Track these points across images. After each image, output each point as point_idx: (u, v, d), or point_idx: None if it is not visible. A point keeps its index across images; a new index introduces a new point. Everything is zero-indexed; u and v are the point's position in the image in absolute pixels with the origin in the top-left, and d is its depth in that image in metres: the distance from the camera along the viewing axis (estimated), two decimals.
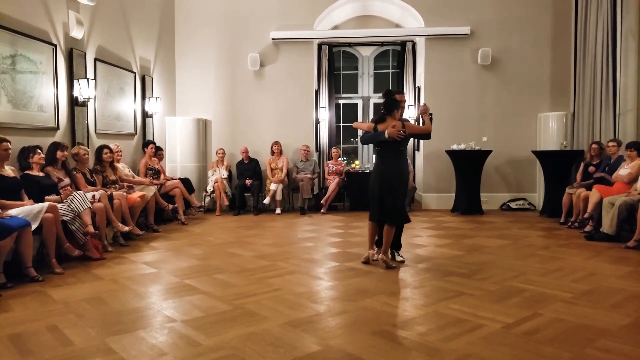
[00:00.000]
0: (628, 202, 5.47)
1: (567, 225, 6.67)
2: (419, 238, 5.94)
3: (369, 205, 4.66)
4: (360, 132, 4.81)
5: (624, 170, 6.07)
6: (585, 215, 6.13)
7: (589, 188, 6.43)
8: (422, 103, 4.61)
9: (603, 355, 2.52)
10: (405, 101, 4.63)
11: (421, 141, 8.99)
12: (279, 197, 8.32)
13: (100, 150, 6.07)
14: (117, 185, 6.10)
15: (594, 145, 6.97)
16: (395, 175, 4.46)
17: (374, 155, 4.88)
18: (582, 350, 2.58)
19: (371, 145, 9.90)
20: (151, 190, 6.53)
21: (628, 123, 7.30)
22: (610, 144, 6.62)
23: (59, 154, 5.16)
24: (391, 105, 4.44)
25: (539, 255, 4.96)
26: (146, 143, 7.55)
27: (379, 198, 4.49)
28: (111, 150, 6.18)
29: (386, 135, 4.30)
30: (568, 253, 5.07)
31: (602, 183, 6.33)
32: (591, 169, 6.76)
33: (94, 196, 5.14)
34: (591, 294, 3.60)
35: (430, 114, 4.64)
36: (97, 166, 6.00)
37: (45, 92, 5.58)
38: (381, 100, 10.21)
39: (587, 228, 6.09)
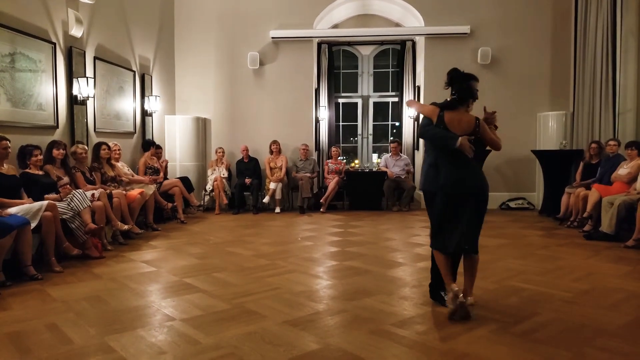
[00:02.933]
0: (627, 201, 5.48)
1: (566, 224, 6.67)
2: (417, 237, 5.94)
3: (440, 229, 3.25)
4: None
5: (623, 170, 6.08)
6: (585, 215, 6.14)
7: (588, 187, 6.44)
8: (489, 110, 3.49)
9: (602, 354, 2.53)
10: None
11: (420, 140, 9.00)
12: (278, 196, 8.32)
13: (98, 147, 6.06)
14: (116, 183, 6.10)
15: (593, 145, 6.97)
16: (482, 181, 3.24)
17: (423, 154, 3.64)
18: (580, 349, 2.58)
19: (371, 146, 10.03)
20: (150, 189, 6.53)
21: (627, 123, 7.30)
22: (611, 142, 6.62)
23: (54, 152, 5.15)
24: (469, 92, 3.27)
25: (538, 255, 4.97)
26: (147, 144, 7.54)
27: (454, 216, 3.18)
28: (109, 147, 6.18)
29: (457, 144, 3.11)
30: (567, 252, 5.07)
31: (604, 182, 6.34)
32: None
33: (93, 195, 5.14)
34: (590, 294, 3.60)
35: (495, 126, 3.49)
36: (95, 163, 5.97)
37: (44, 91, 5.57)
38: (381, 100, 10.25)
39: (586, 227, 6.09)
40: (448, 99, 3.31)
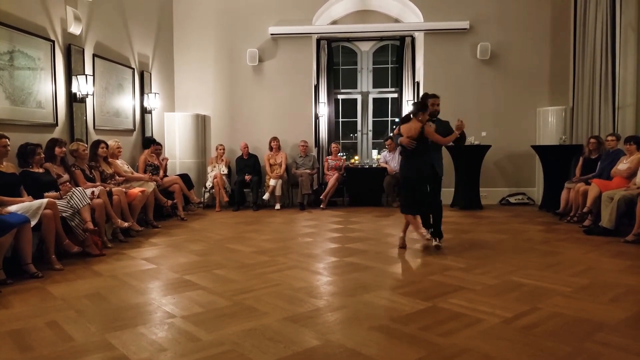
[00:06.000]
0: (627, 196, 5.48)
1: (565, 219, 6.68)
2: None
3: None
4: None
5: (623, 165, 6.08)
6: (584, 210, 6.14)
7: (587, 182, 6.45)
8: (461, 120, 5.03)
9: (601, 348, 2.53)
10: (436, 103, 5.08)
11: None
12: (278, 192, 8.32)
13: (95, 145, 6.05)
14: (115, 180, 6.10)
15: (592, 140, 6.96)
16: (415, 170, 4.89)
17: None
18: (580, 344, 2.59)
19: (370, 142, 10.03)
20: (150, 186, 6.53)
21: (627, 117, 7.30)
22: (609, 137, 6.62)
23: (57, 150, 5.16)
24: (416, 107, 4.87)
25: (537, 250, 4.97)
26: (147, 141, 7.53)
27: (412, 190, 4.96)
28: (107, 146, 6.17)
29: (398, 141, 4.91)
30: (567, 247, 5.08)
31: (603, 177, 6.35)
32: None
33: (93, 192, 5.14)
34: (590, 288, 3.61)
35: (461, 133, 4.99)
36: (92, 162, 5.94)
37: (43, 89, 5.56)
38: (381, 96, 10.27)
39: (586, 222, 6.09)
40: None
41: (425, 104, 4.90)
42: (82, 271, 4.26)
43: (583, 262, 4.41)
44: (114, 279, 3.99)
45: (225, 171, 8.50)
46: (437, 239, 5.08)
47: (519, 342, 2.62)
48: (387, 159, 8.67)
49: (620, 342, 2.61)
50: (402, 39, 9.55)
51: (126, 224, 5.47)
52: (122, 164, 6.68)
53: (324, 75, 9.52)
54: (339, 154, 9.02)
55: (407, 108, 9.54)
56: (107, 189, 5.51)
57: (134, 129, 7.67)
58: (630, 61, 7.20)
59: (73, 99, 6.06)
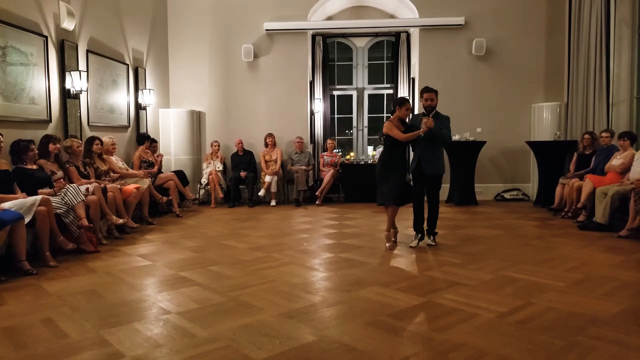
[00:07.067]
0: (620, 191, 5.51)
1: (560, 214, 6.71)
2: (412, 229, 5.95)
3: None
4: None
5: (616, 161, 6.11)
6: (579, 205, 6.17)
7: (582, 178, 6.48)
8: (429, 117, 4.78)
9: (595, 342, 2.55)
10: (430, 98, 4.86)
11: None
12: (273, 189, 8.31)
13: (90, 141, 6.02)
14: (109, 177, 6.08)
15: (586, 136, 6.99)
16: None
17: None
18: (574, 338, 2.61)
19: (366, 138, 10.04)
20: (145, 183, 6.51)
21: (621, 113, 7.33)
22: (604, 133, 6.65)
23: (51, 146, 5.13)
24: (392, 105, 5.14)
25: (532, 245, 5.00)
26: (142, 138, 7.50)
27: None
28: (101, 142, 6.15)
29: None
30: (561, 243, 5.10)
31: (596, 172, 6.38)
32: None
33: (87, 189, 5.12)
34: (584, 283, 3.63)
35: (422, 133, 4.73)
36: (87, 159, 5.92)
37: (36, 85, 5.52)
38: (376, 92, 10.28)
39: (580, 218, 6.13)
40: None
41: (399, 102, 4.91)
42: (77, 268, 4.24)
43: (577, 257, 4.44)
44: (109, 276, 3.98)
45: (221, 167, 8.49)
46: (431, 238, 5.08)
47: (514, 337, 2.63)
48: None
49: (613, 336, 2.63)
50: (397, 34, 9.54)
51: (121, 221, 5.45)
52: (116, 160, 6.65)
53: (319, 71, 9.51)
54: (335, 150, 9.02)
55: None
56: (102, 185, 5.49)
57: (129, 126, 7.63)
58: (624, 57, 7.22)
59: (67, 95, 6.03)
